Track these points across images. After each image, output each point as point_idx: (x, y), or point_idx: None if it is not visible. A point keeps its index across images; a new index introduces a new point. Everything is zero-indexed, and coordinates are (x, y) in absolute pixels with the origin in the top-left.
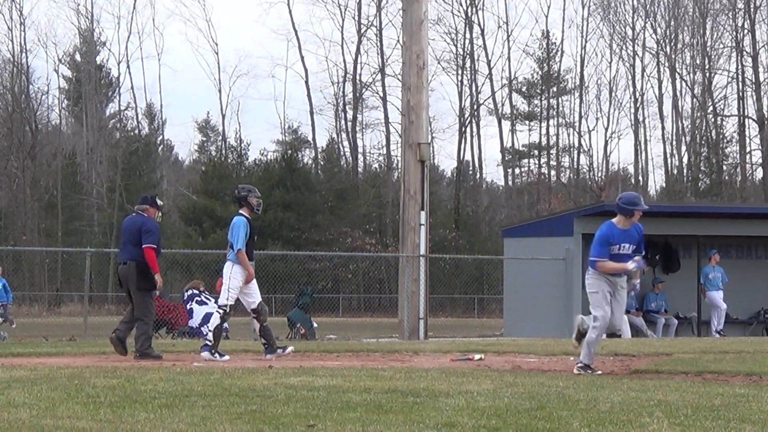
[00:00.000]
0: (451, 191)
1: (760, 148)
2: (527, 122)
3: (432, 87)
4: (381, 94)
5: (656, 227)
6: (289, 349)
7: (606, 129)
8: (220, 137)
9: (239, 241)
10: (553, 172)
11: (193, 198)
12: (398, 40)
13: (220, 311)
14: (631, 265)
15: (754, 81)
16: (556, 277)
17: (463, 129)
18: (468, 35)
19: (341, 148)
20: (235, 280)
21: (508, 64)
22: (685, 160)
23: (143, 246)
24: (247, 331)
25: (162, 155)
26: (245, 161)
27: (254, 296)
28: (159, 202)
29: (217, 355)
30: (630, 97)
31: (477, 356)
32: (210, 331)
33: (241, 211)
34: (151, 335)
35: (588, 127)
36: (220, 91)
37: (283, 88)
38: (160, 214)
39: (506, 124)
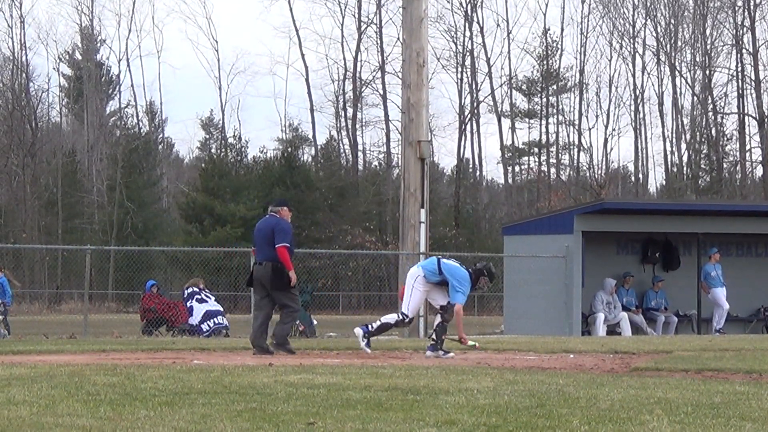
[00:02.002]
0: (451, 189)
1: (760, 145)
2: (527, 120)
3: (432, 85)
4: (381, 92)
5: (656, 225)
6: (451, 354)
7: (606, 126)
8: (221, 135)
9: None
10: (553, 170)
11: (193, 195)
12: (398, 38)
13: (399, 316)
14: None
15: (754, 78)
16: (556, 274)
17: (463, 127)
18: (468, 33)
19: (341, 145)
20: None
21: (507, 62)
22: (685, 157)
23: (276, 245)
24: (247, 329)
25: (162, 153)
26: (245, 159)
27: (441, 299)
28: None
29: (441, 353)
30: (630, 95)
31: (470, 342)
32: (380, 321)
33: None
34: (290, 330)
35: (588, 124)
36: (220, 88)
37: (284, 85)
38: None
39: (506, 122)
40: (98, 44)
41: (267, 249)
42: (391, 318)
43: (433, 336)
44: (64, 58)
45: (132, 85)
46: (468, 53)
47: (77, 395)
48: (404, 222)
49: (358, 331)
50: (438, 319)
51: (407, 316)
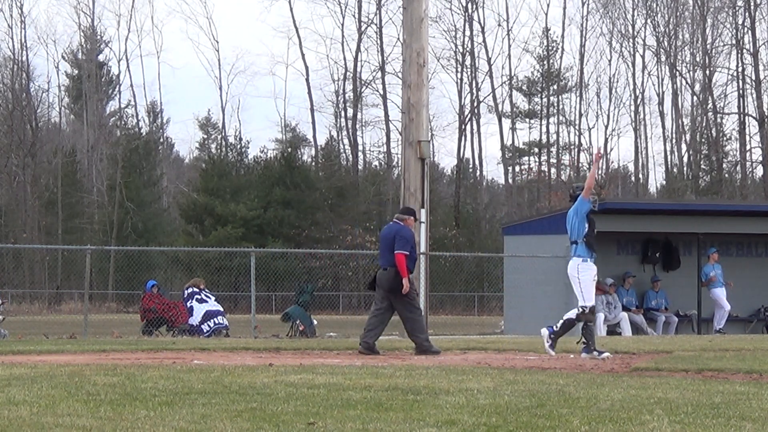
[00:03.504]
0: (452, 189)
1: (760, 145)
2: (527, 120)
3: (432, 85)
4: (381, 92)
5: (656, 225)
6: (606, 354)
7: (606, 127)
8: (221, 135)
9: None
10: (553, 170)
11: (193, 196)
12: (398, 38)
13: (579, 309)
14: None
15: (754, 79)
16: (557, 274)
17: (463, 127)
18: (468, 33)
19: (341, 145)
20: (586, 277)
21: (508, 62)
22: (685, 157)
23: (395, 252)
24: (247, 329)
25: (162, 153)
26: (245, 159)
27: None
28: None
29: (596, 353)
30: (630, 95)
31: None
32: (563, 318)
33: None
34: (425, 329)
35: (588, 124)
36: (220, 88)
37: (284, 85)
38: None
39: (506, 122)
40: (101, 45)
41: (389, 255)
42: (571, 314)
43: (583, 339)
44: (67, 57)
45: (132, 85)
46: (468, 53)
47: (77, 395)
48: None
49: (545, 331)
50: (572, 317)
51: (586, 307)
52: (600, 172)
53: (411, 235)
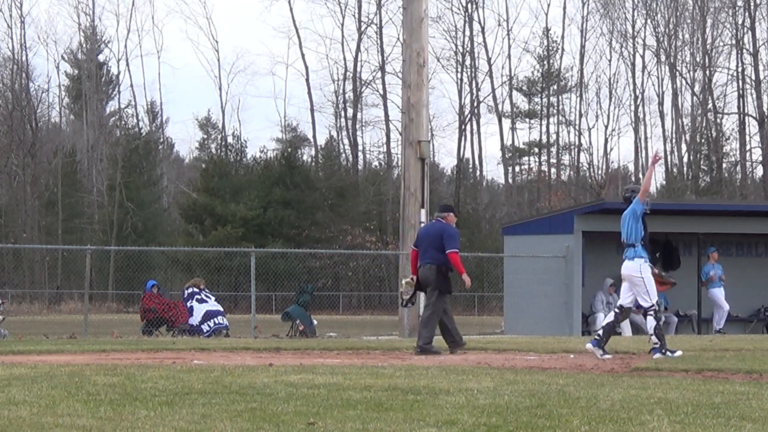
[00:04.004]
0: (452, 189)
1: (760, 145)
2: (527, 120)
3: (432, 85)
4: (381, 92)
5: (656, 225)
6: (608, 356)
7: (606, 127)
8: (221, 135)
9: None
10: (553, 170)
11: (193, 196)
12: (398, 38)
13: (651, 312)
14: None
15: (754, 79)
16: (557, 274)
17: (463, 127)
18: (468, 33)
19: (341, 145)
20: (649, 277)
21: (508, 62)
22: (685, 158)
23: (448, 251)
24: (247, 329)
25: (162, 153)
26: (244, 158)
27: (628, 296)
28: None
29: (668, 353)
30: (630, 95)
31: None
32: (653, 334)
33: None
34: (433, 333)
35: (588, 124)
36: (220, 88)
37: (284, 85)
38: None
39: (506, 122)
40: (101, 45)
41: (434, 252)
42: (650, 322)
43: (654, 339)
44: (67, 57)
45: (132, 85)
46: (468, 53)
47: (77, 395)
48: (404, 222)
49: (590, 346)
50: (651, 322)
51: (653, 305)
52: (652, 176)
53: (457, 232)
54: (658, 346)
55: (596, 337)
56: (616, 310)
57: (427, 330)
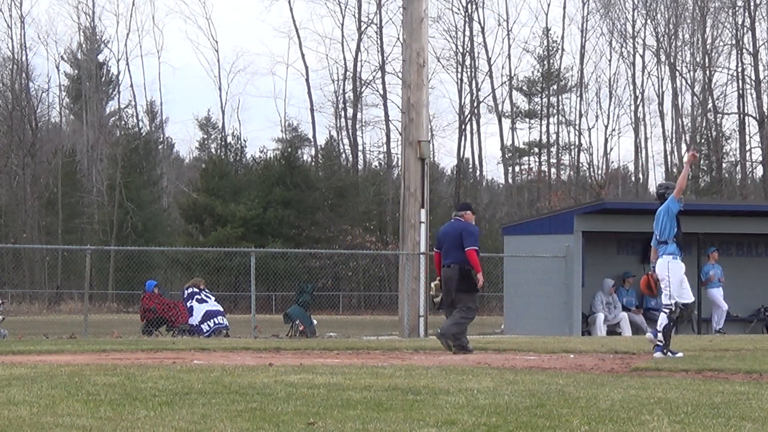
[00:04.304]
0: (452, 189)
1: (760, 145)
2: (527, 120)
3: (432, 85)
4: (381, 92)
5: None
6: (679, 354)
7: (606, 127)
8: (221, 135)
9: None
10: (553, 170)
11: (193, 195)
12: (398, 38)
13: (667, 311)
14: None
15: (754, 79)
16: (556, 274)
17: (463, 127)
18: (468, 33)
19: (341, 145)
20: (675, 276)
21: (508, 62)
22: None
23: (466, 249)
24: (247, 329)
25: (162, 153)
26: (244, 158)
27: (686, 295)
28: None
29: (669, 353)
30: (630, 95)
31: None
32: (659, 331)
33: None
34: (465, 330)
35: (588, 124)
36: (220, 88)
37: (284, 85)
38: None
39: (506, 122)
40: (100, 45)
41: (455, 252)
42: (662, 320)
43: (659, 336)
44: (67, 58)
45: (132, 85)
46: (468, 53)
47: (77, 395)
48: (404, 222)
49: (657, 355)
50: (664, 320)
51: (672, 304)
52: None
53: (476, 230)
54: (661, 344)
55: (658, 343)
56: (672, 308)
57: (459, 328)
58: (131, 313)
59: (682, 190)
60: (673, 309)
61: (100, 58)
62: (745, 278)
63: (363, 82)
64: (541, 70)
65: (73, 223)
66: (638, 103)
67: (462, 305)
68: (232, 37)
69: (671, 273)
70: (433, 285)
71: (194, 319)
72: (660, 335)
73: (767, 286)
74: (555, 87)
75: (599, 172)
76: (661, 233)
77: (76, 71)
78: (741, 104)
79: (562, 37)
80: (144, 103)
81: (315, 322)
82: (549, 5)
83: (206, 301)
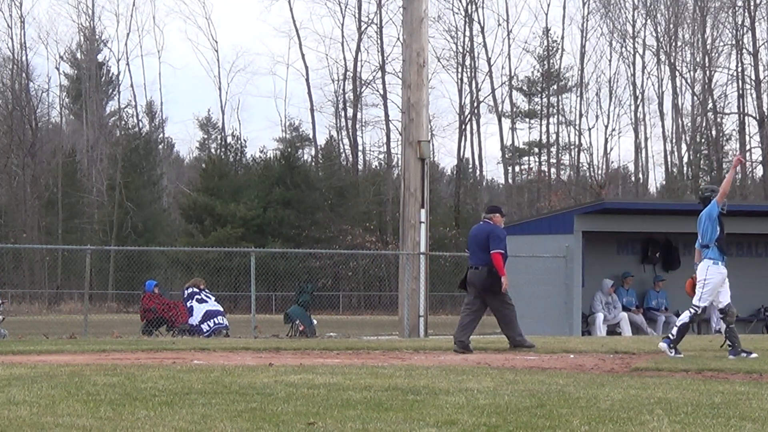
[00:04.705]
0: (452, 189)
1: (760, 145)
2: (527, 120)
3: (432, 85)
4: (381, 92)
5: (657, 225)
6: (754, 354)
7: (606, 127)
8: (221, 135)
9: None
10: (553, 170)
11: (193, 196)
12: (398, 38)
13: (692, 311)
14: None
15: (754, 79)
16: (556, 274)
17: (463, 127)
18: (468, 33)
19: (341, 145)
20: (712, 280)
21: (508, 62)
22: (685, 158)
23: (491, 251)
24: (247, 329)
25: (162, 153)
26: (244, 158)
27: (724, 296)
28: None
29: (673, 351)
30: (630, 95)
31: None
32: (676, 326)
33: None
34: (519, 328)
35: (588, 124)
36: (220, 88)
37: (284, 85)
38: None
39: (506, 122)
40: (100, 44)
41: (481, 254)
42: (684, 317)
43: (674, 331)
44: (66, 58)
45: (132, 85)
46: (468, 53)
47: (77, 395)
48: (404, 222)
49: (663, 345)
50: (685, 318)
51: (699, 308)
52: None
53: (503, 233)
54: (671, 339)
55: (728, 346)
56: (720, 315)
57: (510, 329)
58: (131, 313)
59: (726, 194)
60: (699, 312)
61: (100, 58)
62: (745, 278)
63: (363, 82)
64: (541, 70)
65: (73, 223)
66: (638, 103)
67: (501, 305)
68: (232, 37)
69: (708, 277)
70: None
71: (194, 319)
72: (675, 329)
73: (767, 286)
74: (555, 87)
75: (599, 172)
76: (703, 237)
77: (76, 71)
78: (741, 104)
79: (562, 37)
80: (144, 103)
81: (315, 322)
82: (549, 5)
83: (206, 301)
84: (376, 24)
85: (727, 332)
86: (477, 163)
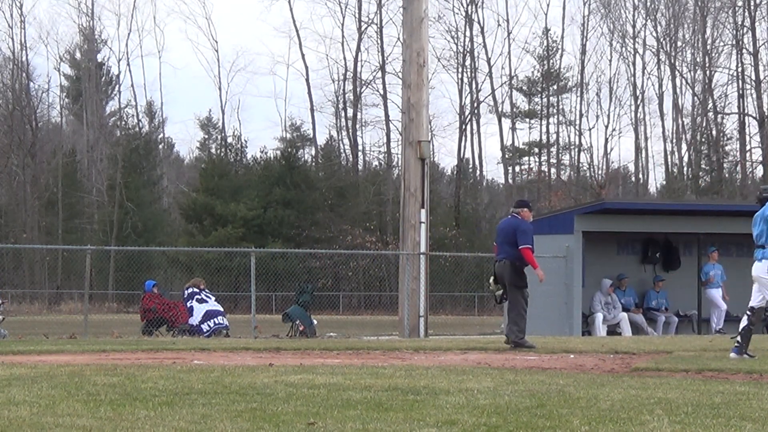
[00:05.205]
0: (452, 189)
1: (760, 145)
2: (527, 120)
3: (432, 85)
4: (381, 92)
5: (657, 225)
6: (755, 356)
7: (606, 127)
8: (221, 135)
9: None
10: (553, 170)
11: (193, 196)
12: (398, 38)
13: (749, 312)
14: None
15: (754, 79)
16: (557, 274)
17: (464, 127)
18: (468, 33)
19: (341, 145)
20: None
21: (508, 62)
22: (685, 158)
23: (520, 246)
24: (247, 329)
25: (162, 153)
26: (244, 158)
27: (760, 297)
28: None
29: (746, 356)
30: (630, 95)
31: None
32: (739, 333)
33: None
34: (524, 327)
35: (588, 124)
36: (220, 88)
37: (284, 85)
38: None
39: (506, 122)
40: (99, 44)
41: (507, 248)
42: (743, 321)
43: (738, 339)
44: (65, 58)
45: (132, 85)
46: (468, 53)
47: (77, 395)
48: (404, 222)
49: (733, 355)
50: (745, 321)
51: (754, 308)
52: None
53: (530, 228)
54: (738, 346)
55: (736, 344)
56: (748, 312)
57: (517, 326)
58: (131, 313)
59: None
60: (754, 312)
61: (100, 58)
62: (746, 278)
63: (363, 82)
64: (541, 70)
65: (73, 223)
66: (638, 103)
67: (513, 304)
68: (232, 37)
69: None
70: (491, 280)
71: (194, 319)
72: (739, 337)
73: None
74: (555, 87)
75: (599, 172)
76: (758, 237)
77: (76, 71)
78: (741, 104)
79: (562, 37)
80: (144, 103)
81: (315, 322)
82: (549, 5)
83: (206, 301)
84: (376, 24)
85: (743, 330)
86: (477, 163)
